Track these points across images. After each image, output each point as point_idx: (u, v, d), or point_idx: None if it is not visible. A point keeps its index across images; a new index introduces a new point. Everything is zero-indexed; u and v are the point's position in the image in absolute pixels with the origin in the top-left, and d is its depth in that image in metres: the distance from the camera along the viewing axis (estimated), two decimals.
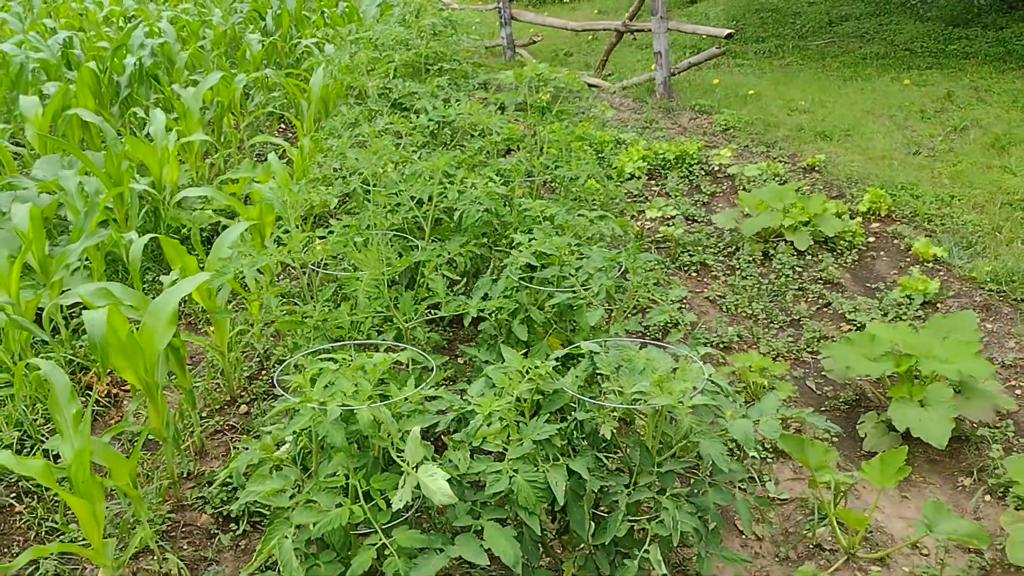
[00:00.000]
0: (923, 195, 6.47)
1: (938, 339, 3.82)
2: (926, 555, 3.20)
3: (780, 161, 7.56)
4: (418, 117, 4.83)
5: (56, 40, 7.90)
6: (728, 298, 5.13)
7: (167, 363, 3.32)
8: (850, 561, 3.14)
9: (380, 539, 2.37)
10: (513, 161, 4.16)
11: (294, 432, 2.58)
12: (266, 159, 5.50)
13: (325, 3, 10.92)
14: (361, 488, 2.41)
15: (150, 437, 3.75)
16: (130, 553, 2.93)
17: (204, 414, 4.01)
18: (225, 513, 3.39)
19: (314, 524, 2.37)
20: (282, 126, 8.53)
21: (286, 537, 2.36)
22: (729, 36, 8.94)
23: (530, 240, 3.28)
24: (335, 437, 2.33)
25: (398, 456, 2.36)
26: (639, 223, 6.31)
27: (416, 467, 2.29)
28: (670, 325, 4.57)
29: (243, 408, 4.09)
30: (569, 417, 2.68)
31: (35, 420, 3.80)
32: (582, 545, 2.75)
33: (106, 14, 10.76)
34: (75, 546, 2.70)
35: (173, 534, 3.30)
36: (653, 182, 7.26)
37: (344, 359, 2.63)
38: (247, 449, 2.64)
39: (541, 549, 2.89)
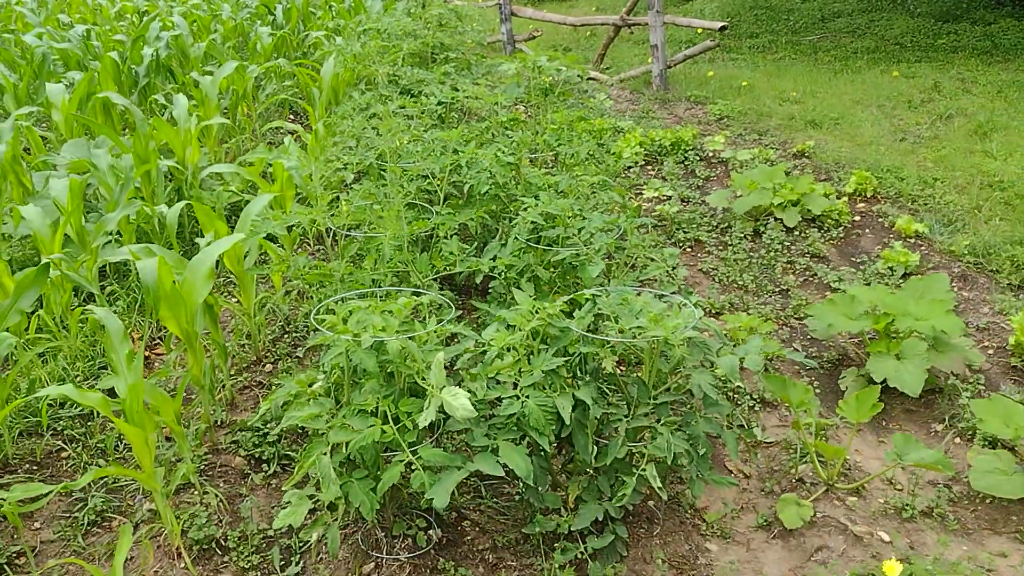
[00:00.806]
0: (907, 177, 6.78)
1: (913, 299, 4.13)
2: (900, 489, 3.50)
3: (772, 148, 7.88)
4: (428, 100, 5.13)
5: (75, 33, 8.20)
6: (720, 270, 5.44)
7: (203, 318, 3.62)
8: (829, 492, 3.45)
9: (407, 456, 2.67)
10: (518, 135, 4.46)
11: (324, 370, 2.89)
12: (280, 143, 5.80)
13: None
14: (390, 412, 2.71)
15: (187, 389, 4.07)
16: (176, 483, 3.23)
17: (233, 372, 4.31)
18: (257, 455, 3.69)
19: (348, 443, 2.68)
20: (292, 116, 8.84)
21: (324, 454, 2.66)
22: (723, 29, 9.25)
23: (536, 203, 3.58)
24: (368, 363, 2.63)
25: (423, 382, 2.67)
26: (638, 202, 6.61)
27: (440, 389, 2.60)
28: (666, 280, 4.86)
29: (268, 367, 4.39)
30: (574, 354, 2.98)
31: (76, 376, 4.11)
32: (586, 472, 3.06)
33: (119, 10, 11.05)
34: (131, 470, 3.00)
35: (210, 473, 3.60)
36: (650, 167, 7.56)
37: (372, 304, 2.93)
38: (282, 385, 2.94)
39: (549, 477, 3.20)
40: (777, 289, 5.28)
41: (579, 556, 3.01)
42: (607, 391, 3.03)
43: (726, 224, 6.14)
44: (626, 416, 2.98)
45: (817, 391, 4.19)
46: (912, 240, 5.83)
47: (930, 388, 4.10)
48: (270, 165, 5.31)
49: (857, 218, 6.27)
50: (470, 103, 5.18)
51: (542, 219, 3.53)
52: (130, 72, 7.40)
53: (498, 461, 2.69)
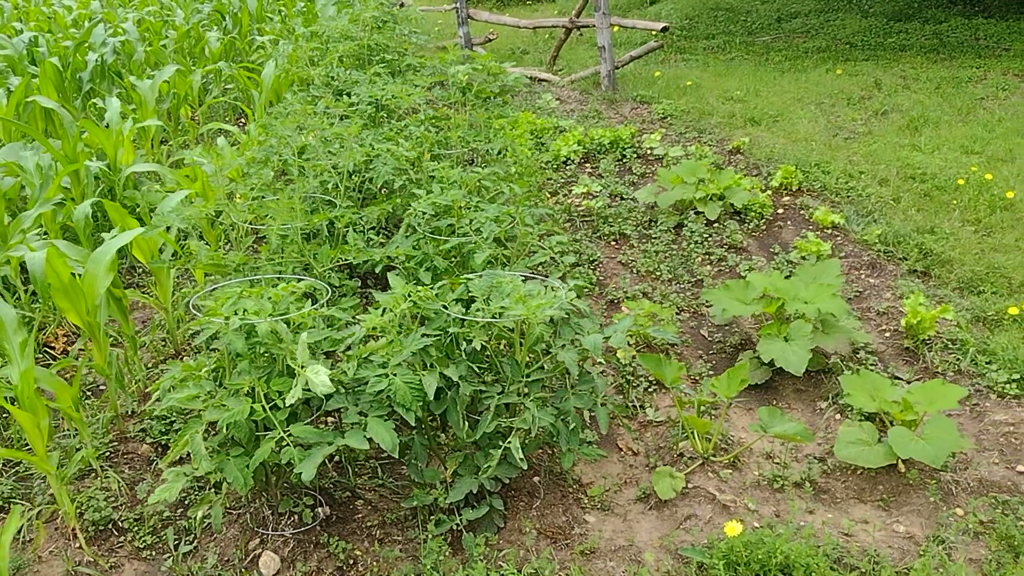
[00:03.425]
0: (832, 171, 6.97)
1: (804, 284, 4.30)
2: (777, 462, 3.66)
3: (709, 145, 8.06)
4: (347, 100, 5.27)
5: (21, 39, 8.30)
6: (639, 261, 5.60)
7: (108, 309, 3.74)
8: (705, 465, 3.60)
9: (279, 433, 2.81)
10: (420, 130, 4.60)
11: (207, 348, 3.02)
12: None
13: (285, 3, 11.35)
14: (263, 391, 2.85)
15: (103, 386, 4.20)
16: (74, 468, 3.35)
17: (150, 365, 4.43)
18: (164, 443, 3.82)
19: (225, 422, 2.81)
20: (244, 119, 8.96)
21: (197, 432, 2.80)
22: (664, 29, 9.44)
23: (428, 193, 3.73)
24: (237, 344, 2.77)
25: (292, 362, 2.80)
26: (568, 199, 6.77)
27: (304, 368, 2.74)
28: (566, 267, 4.95)
29: (187, 360, 4.51)
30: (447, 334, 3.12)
31: None
32: (463, 448, 3.20)
33: (75, 17, 11.14)
34: (23, 452, 3.12)
35: (116, 460, 3.72)
36: (588, 164, 7.72)
37: (256, 290, 3.07)
38: (170, 369, 3.07)
39: (429, 453, 3.35)
40: (693, 279, 5.44)
41: (455, 528, 3.15)
42: (479, 370, 3.17)
43: (651, 218, 6.30)
44: (499, 393, 3.12)
45: (709, 372, 4.35)
46: (829, 231, 6.01)
47: (819, 368, 4.27)
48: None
49: (780, 211, 6.45)
50: (402, 103, 5.32)
51: (433, 210, 3.67)
52: (74, 77, 7.50)
53: (366, 436, 2.83)
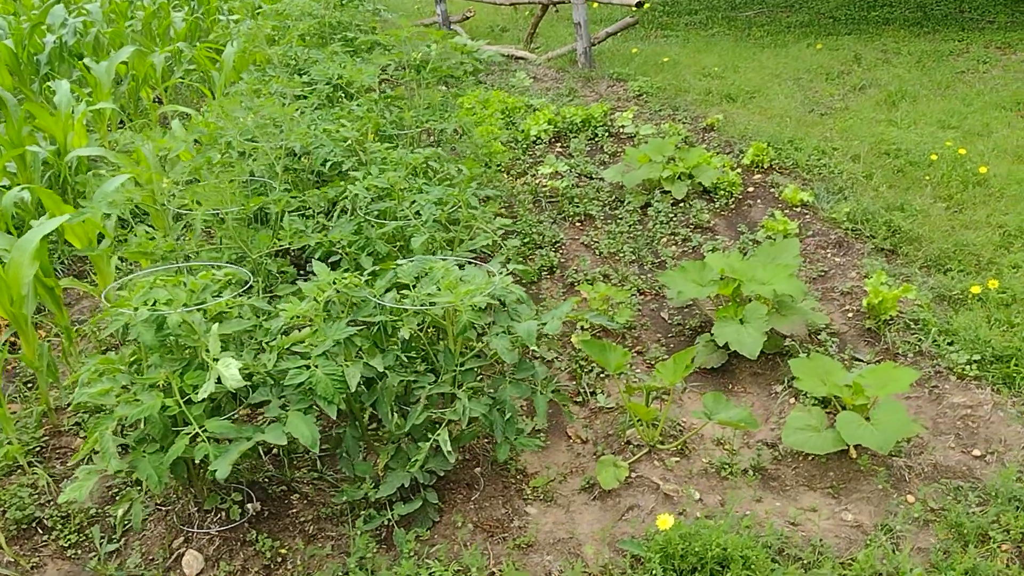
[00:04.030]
0: (805, 148, 6.83)
1: (762, 264, 4.18)
2: (728, 449, 3.56)
3: (683, 122, 7.92)
4: (298, 80, 5.12)
5: None
6: (602, 243, 5.48)
7: (37, 299, 3.61)
8: (651, 453, 3.50)
9: (194, 428, 2.69)
10: (363, 109, 4.46)
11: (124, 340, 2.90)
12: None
13: None
14: (177, 385, 2.73)
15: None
16: None
17: (92, 355, 4.30)
18: None
19: (141, 418, 2.69)
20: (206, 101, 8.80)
21: (107, 428, 2.68)
22: (639, 4, 9.26)
23: (366, 176, 3.60)
24: (145, 336, 2.65)
25: (206, 355, 2.68)
26: (536, 180, 6.63)
27: (216, 361, 2.62)
28: (509, 251, 4.82)
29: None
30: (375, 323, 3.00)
31: None
32: (395, 440, 3.09)
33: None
34: None
35: (47, 455, 3.60)
36: (559, 144, 7.58)
37: (173, 278, 2.94)
38: (87, 361, 2.95)
39: (367, 446, 3.24)
40: (657, 260, 5.33)
41: (386, 523, 3.04)
42: (412, 359, 3.06)
43: (618, 198, 6.17)
44: (431, 383, 3.01)
45: (665, 357, 4.24)
46: (798, 209, 5.89)
47: (776, 351, 4.17)
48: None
49: (751, 189, 6.32)
50: (356, 82, 5.17)
51: (370, 193, 3.54)
52: (30, 60, 7.33)
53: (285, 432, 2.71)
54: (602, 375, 4.08)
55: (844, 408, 3.45)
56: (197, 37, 8.86)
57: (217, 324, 2.67)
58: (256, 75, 5.87)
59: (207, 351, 2.70)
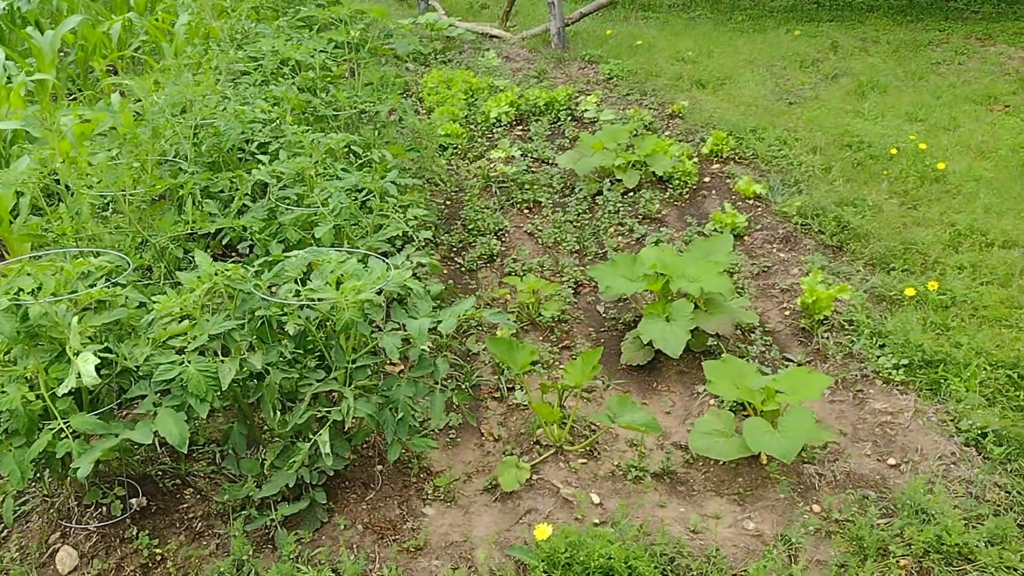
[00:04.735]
0: (767, 138, 6.70)
1: (694, 260, 4.07)
2: (640, 451, 3.45)
3: (650, 108, 7.77)
4: (236, 54, 4.97)
5: None
6: (546, 231, 5.36)
7: None
8: (559, 454, 3.40)
9: (59, 424, 2.58)
10: (283, 89, 4.32)
11: None
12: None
13: None
14: (42, 378, 2.62)
15: None
16: None
17: None
18: None
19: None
20: None
21: None
22: None
23: (271, 160, 3.47)
24: (4, 327, 2.53)
25: (69, 349, 2.57)
26: (491, 164, 6.49)
27: (76, 355, 2.50)
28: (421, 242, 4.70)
29: None
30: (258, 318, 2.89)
31: None
32: (282, 439, 2.98)
33: None
34: None
35: None
36: (520, 127, 7.44)
37: (49, 266, 2.82)
38: None
39: (248, 442, 3.14)
40: (601, 251, 5.21)
41: (269, 523, 2.95)
42: (304, 355, 2.94)
43: (570, 185, 6.05)
44: (319, 380, 2.90)
45: (606, 351, 4.15)
46: (750, 201, 5.77)
47: (704, 349, 4.06)
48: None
49: (707, 179, 6.20)
50: (275, 55, 5.02)
51: (273, 178, 3.42)
52: None
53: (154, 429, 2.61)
54: (528, 372, 3.97)
55: (758, 413, 3.35)
56: (156, 6, 8.65)
57: (76, 317, 2.56)
58: (199, 49, 5.71)
59: (71, 345, 2.58)
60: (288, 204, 3.66)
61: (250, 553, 2.83)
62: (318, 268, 2.89)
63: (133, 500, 3.08)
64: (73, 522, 2.98)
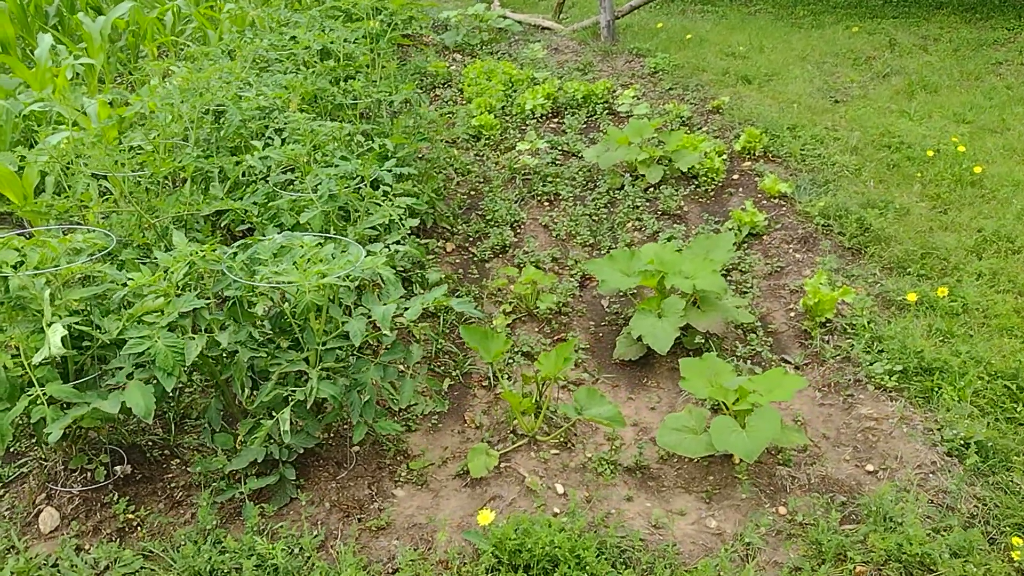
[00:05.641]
0: (803, 136, 6.56)
1: (692, 257, 4.04)
2: (615, 445, 3.46)
3: (690, 103, 7.69)
4: (259, 42, 5.11)
5: None
6: (562, 224, 5.37)
7: None
8: (531, 443, 3.43)
9: (37, 391, 2.73)
10: (287, 78, 4.43)
11: None
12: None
13: None
14: (23, 347, 2.77)
15: None
16: None
17: None
18: None
19: None
20: None
21: None
22: None
23: (265, 147, 3.58)
24: None
25: (43, 319, 2.71)
26: (520, 156, 6.52)
27: (48, 326, 2.64)
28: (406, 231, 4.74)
29: None
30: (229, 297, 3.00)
31: None
32: (256, 414, 3.09)
33: None
34: None
35: None
36: (555, 120, 7.45)
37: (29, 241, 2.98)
38: None
39: (229, 418, 3.25)
40: (615, 246, 5.20)
41: (239, 496, 3.06)
42: (274, 335, 3.04)
43: (594, 179, 6.04)
44: (289, 361, 2.99)
45: (603, 343, 4.17)
46: (775, 200, 5.68)
47: (695, 347, 4.04)
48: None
49: (736, 176, 6.12)
50: (312, 48, 5.15)
51: (263, 165, 3.52)
52: (38, 11, 7.48)
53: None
54: (514, 361, 4.01)
55: (730, 412, 3.32)
56: None
57: (48, 290, 2.69)
58: (235, 36, 5.89)
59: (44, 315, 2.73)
60: (289, 190, 3.76)
61: (215, 523, 2.94)
62: (289, 252, 2.98)
63: (118, 467, 3.23)
64: (59, 485, 3.14)
